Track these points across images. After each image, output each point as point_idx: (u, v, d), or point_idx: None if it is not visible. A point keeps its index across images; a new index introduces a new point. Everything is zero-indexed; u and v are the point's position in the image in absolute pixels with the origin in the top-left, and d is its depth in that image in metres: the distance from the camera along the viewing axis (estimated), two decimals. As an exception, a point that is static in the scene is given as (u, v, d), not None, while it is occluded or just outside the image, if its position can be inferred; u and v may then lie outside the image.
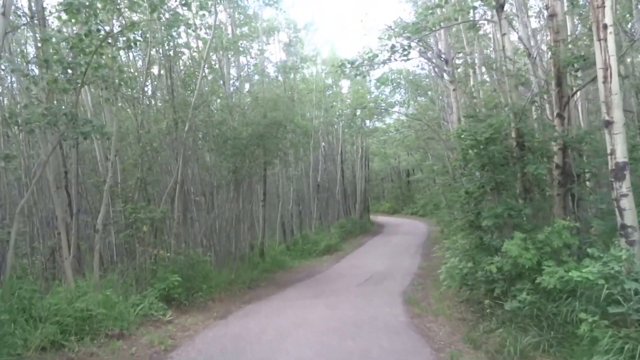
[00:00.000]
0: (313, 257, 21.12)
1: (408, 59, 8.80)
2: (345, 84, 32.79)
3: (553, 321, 5.90)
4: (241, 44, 17.60)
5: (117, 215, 11.29)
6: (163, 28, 12.12)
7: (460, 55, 12.40)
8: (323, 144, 28.85)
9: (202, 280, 11.66)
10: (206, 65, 13.58)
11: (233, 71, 18.18)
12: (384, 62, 8.51)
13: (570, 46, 7.82)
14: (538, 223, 7.32)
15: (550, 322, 5.93)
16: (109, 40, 7.62)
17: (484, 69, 12.48)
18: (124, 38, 7.90)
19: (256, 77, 21.11)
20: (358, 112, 30.89)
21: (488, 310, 7.03)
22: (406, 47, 8.20)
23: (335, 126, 32.63)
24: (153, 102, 14.06)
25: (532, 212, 7.30)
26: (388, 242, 26.24)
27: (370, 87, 28.41)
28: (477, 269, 7.66)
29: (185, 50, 14.97)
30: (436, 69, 14.78)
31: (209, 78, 15.72)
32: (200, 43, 15.33)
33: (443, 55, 11.07)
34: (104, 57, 7.93)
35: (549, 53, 7.77)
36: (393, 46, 8.01)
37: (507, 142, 7.66)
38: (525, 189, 7.63)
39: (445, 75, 11.65)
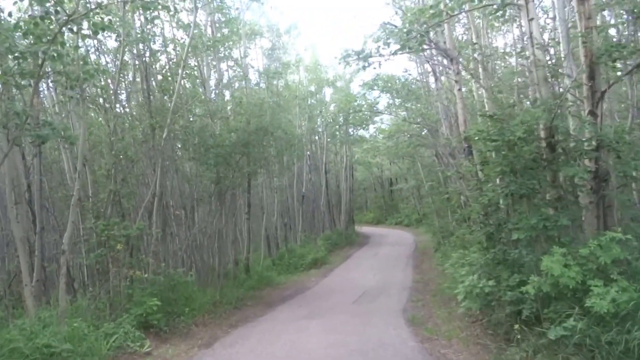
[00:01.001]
0: (300, 272, 20.16)
1: (424, 49, 7.97)
2: (328, 92, 32.05)
3: (609, 353, 4.99)
4: (222, 48, 16.57)
5: (88, 232, 10.10)
6: (138, 26, 11.11)
7: (467, 51, 11.63)
8: (308, 152, 27.90)
9: (184, 302, 10.54)
10: (185, 67, 12.51)
11: (213, 76, 17.14)
12: (395, 53, 7.62)
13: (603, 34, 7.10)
14: (571, 235, 6.48)
15: (605, 353, 5.02)
16: (71, 26, 6.52)
17: (496, 64, 11.80)
18: (89, 23, 6.78)
19: (236, 84, 20.12)
20: (341, 120, 30.15)
21: (519, 336, 6.12)
22: (423, 34, 7.30)
23: (318, 136, 31.78)
24: (127, 107, 12.93)
25: (569, 224, 6.44)
26: (376, 254, 25.39)
27: (354, 93, 27.74)
28: (500, 287, 6.76)
29: (163, 53, 13.90)
30: (438, 68, 14.06)
31: (188, 85, 14.69)
32: (179, 37, 14.37)
33: (448, 52, 10.27)
34: (65, 47, 6.83)
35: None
36: (410, 31, 7.10)
37: (537, 142, 6.82)
38: (558, 196, 6.79)
39: (451, 72, 10.85)
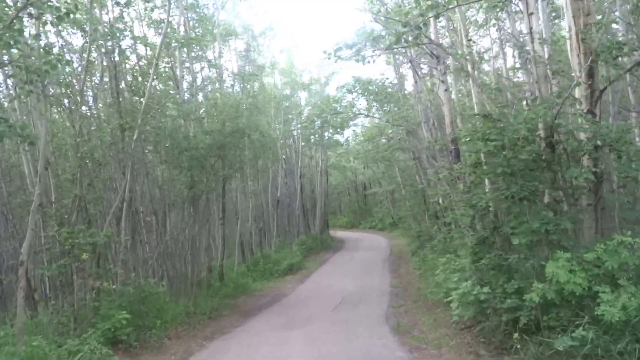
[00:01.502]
0: (276, 278, 19.65)
1: (418, 44, 7.57)
2: (303, 96, 31.64)
3: (621, 364, 4.67)
4: (196, 47, 15.91)
5: (50, 241, 9.35)
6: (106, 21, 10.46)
7: (458, 50, 11.35)
8: (283, 156, 27.39)
9: (155, 314, 9.92)
10: (158, 65, 11.87)
11: (187, 77, 16.45)
12: (388, 49, 7.22)
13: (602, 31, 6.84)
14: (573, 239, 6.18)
15: (616, 365, 4.70)
16: (31, 11, 5.86)
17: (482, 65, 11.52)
18: (52, 9, 6.10)
19: (210, 87, 19.44)
20: (317, 124, 29.72)
21: (518, 346, 5.76)
22: (421, 25, 6.88)
23: (293, 140, 31.32)
24: (94, 108, 12.18)
25: (572, 227, 6.12)
26: (351, 259, 25.07)
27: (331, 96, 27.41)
28: (495, 294, 6.42)
29: (133, 52, 13.23)
30: (420, 70, 13.76)
31: (160, 87, 14.02)
32: (151, 36, 13.72)
33: (435, 51, 9.92)
34: (23, 34, 6.16)
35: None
36: (407, 23, 6.68)
37: (538, 142, 6.50)
38: (557, 198, 6.50)
39: (436, 73, 10.52)
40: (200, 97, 15.77)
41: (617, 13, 8.88)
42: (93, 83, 12.41)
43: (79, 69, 11.20)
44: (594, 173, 6.19)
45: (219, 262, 16.18)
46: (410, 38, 6.95)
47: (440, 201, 13.29)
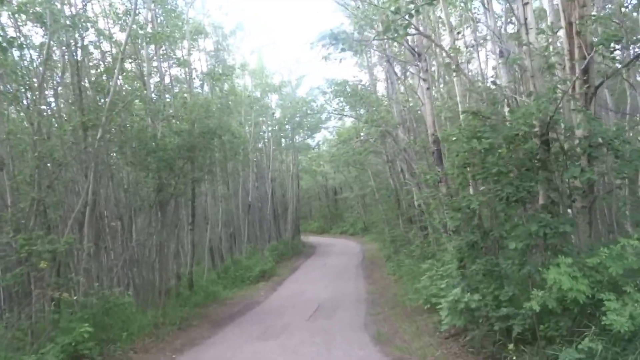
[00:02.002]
0: (247, 285, 19.07)
1: (409, 34, 7.23)
2: (274, 98, 31.12)
3: (630, 378, 4.38)
4: (164, 44, 15.23)
5: (5, 248, 8.59)
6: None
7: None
8: (255, 159, 26.79)
9: (120, 326, 9.28)
10: (124, 60, 11.21)
11: (155, 77, 15.72)
12: (377, 37, 6.85)
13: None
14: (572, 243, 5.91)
15: (625, 379, 4.41)
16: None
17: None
18: None
19: (177, 87, 18.71)
20: (287, 127, 29.23)
21: (514, 357, 5.44)
22: (413, 13, 6.52)
23: (264, 143, 30.77)
24: (55, 105, 11.42)
25: (571, 230, 5.84)
26: (324, 264, 24.67)
27: (302, 98, 27.01)
28: (486, 301, 6.09)
29: (97, 47, 12.52)
30: (398, 69, 13.50)
31: (125, 87, 13.32)
32: (115, 32, 13.01)
33: (416, 48, 9.61)
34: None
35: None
36: (397, 10, 6.28)
37: (533, 141, 6.21)
38: (552, 200, 6.21)
39: (416, 71, 10.23)
40: (168, 97, 15.04)
41: (609, 6, 8.77)
42: (54, 80, 11.68)
43: (39, 64, 10.45)
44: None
45: (188, 269, 15.51)
46: (400, 28, 6.59)
47: (421, 205, 12.98)
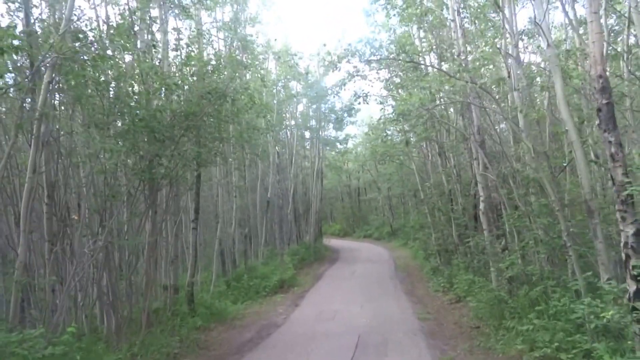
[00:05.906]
0: (263, 297, 15.76)
1: None
2: (298, 87, 27.61)
3: None
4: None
5: None
6: None
7: None
8: (277, 148, 23.34)
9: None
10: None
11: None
12: None
13: None
14: None
15: None
16: None
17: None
18: None
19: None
20: (312, 123, 25.65)
21: None
22: None
23: (289, 130, 27.34)
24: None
25: None
26: (352, 273, 21.10)
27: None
28: None
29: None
30: None
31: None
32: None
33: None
34: None
35: None
36: None
37: None
38: None
39: None
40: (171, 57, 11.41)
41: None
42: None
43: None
44: None
45: (189, 280, 12.04)
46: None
47: (517, 204, 9.09)
